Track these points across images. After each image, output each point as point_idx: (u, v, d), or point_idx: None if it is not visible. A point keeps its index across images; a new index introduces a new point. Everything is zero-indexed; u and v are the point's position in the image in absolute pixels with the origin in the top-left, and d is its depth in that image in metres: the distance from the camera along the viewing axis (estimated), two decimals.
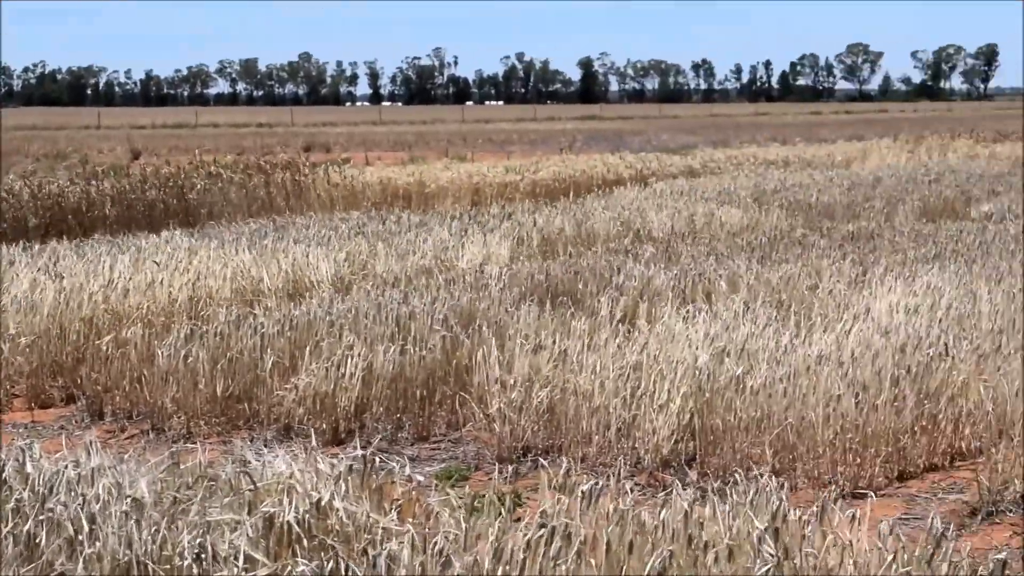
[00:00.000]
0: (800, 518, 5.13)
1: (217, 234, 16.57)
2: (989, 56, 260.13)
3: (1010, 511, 7.37)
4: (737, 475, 5.78)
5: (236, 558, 5.13)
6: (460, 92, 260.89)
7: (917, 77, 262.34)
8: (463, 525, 4.99)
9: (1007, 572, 4.72)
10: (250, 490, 5.61)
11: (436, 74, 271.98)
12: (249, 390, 9.48)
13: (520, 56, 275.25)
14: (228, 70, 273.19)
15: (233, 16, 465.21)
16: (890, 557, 4.79)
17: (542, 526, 4.88)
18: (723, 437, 8.16)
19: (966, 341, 9.17)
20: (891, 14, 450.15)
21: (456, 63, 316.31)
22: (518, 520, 5.72)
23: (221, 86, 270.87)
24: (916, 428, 8.26)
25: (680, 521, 5.04)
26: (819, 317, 10.40)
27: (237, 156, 32.50)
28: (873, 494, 6.91)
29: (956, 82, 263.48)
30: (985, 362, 8.81)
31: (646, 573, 4.73)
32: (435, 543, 4.81)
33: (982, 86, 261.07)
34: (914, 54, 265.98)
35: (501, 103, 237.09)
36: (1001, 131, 53.14)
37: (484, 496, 5.69)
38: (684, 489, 5.40)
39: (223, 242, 15.12)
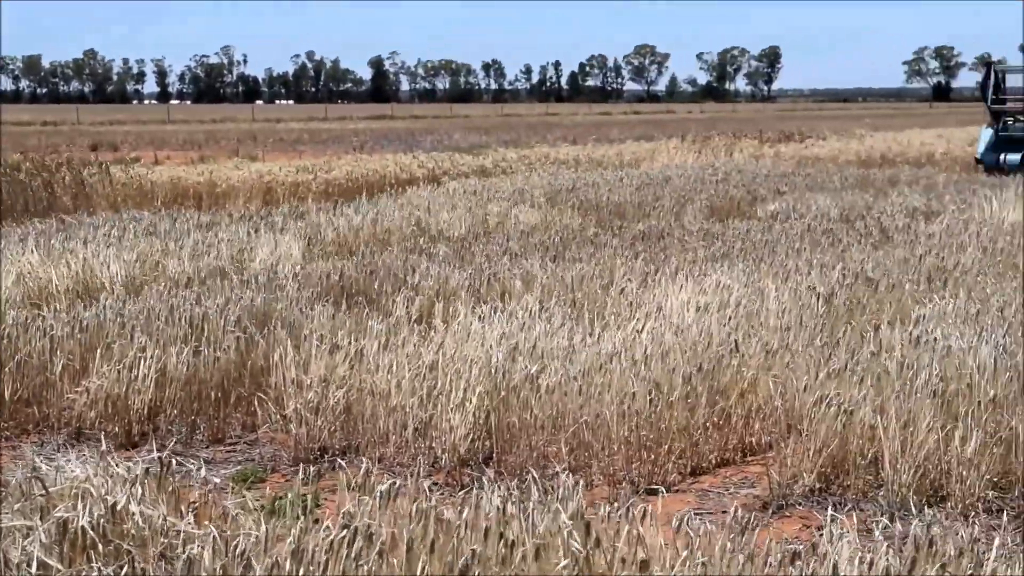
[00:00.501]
0: (608, 514, 5.18)
1: (3, 235, 16.20)
2: (772, 58, 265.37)
3: (799, 504, 7.53)
4: (533, 473, 5.83)
5: (29, 565, 5.04)
6: (250, 91, 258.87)
7: (703, 79, 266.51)
8: (263, 527, 4.95)
9: (796, 563, 4.82)
10: (42, 495, 5.50)
11: (225, 72, 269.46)
12: (39, 394, 9.30)
13: (311, 55, 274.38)
14: (11, 67, 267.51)
15: (13, 12, 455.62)
16: (686, 553, 4.86)
17: (344, 527, 4.87)
18: (519, 435, 8.21)
19: (755, 338, 9.34)
20: (677, 16, 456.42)
21: (245, 61, 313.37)
22: (316, 522, 5.70)
23: (3, 83, 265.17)
24: (708, 424, 8.40)
25: (485, 519, 5.06)
26: (612, 316, 10.52)
27: (21, 155, 31.81)
28: (665, 490, 7.03)
29: (741, 84, 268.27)
30: (774, 358, 8.98)
31: (455, 572, 4.75)
32: (235, 545, 4.78)
33: (766, 88, 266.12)
34: (700, 56, 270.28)
35: (291, 102, 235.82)
36: (785, 131, 54.24)
37: (283, 498, 5.66)
38: (486, 487, 5.42)
39: (8, 243, 14.81)
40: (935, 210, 19.85)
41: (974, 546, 4.76)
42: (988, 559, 4.69)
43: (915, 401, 7.71)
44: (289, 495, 5.59)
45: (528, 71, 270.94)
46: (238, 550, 4.71)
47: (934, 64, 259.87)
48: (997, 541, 4.91)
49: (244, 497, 5.63)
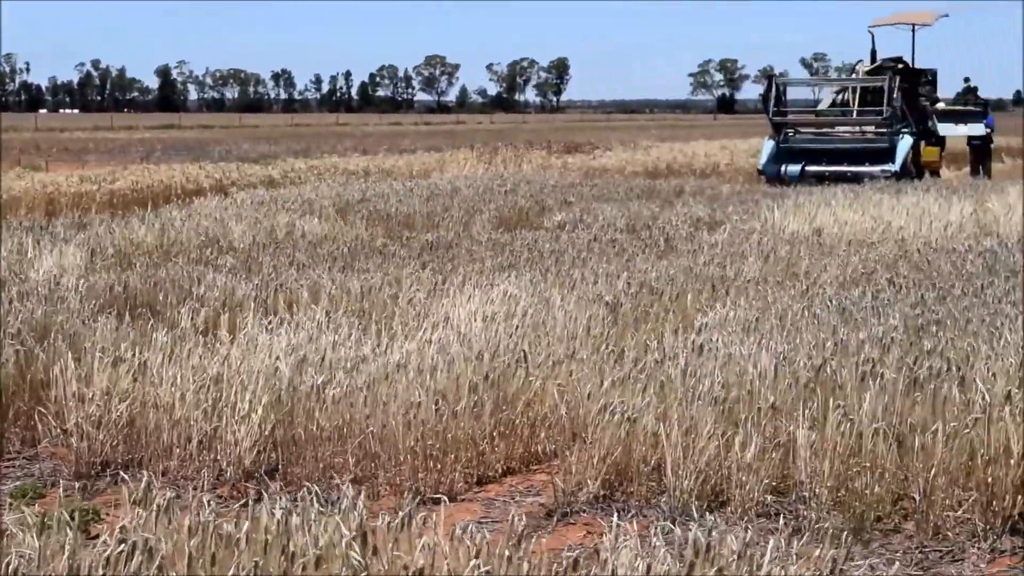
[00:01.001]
0: (388, 524, 5.16)
1: None
2: (561, 70, 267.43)
3: (584, 511, 7.59)
4: (320, 484, 5.80)
5: None
6: (33, 99, 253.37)
7: (493, 89, 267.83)
8: (36, 543, 4.85)
9: (577, 570, 4.86)
10: None
11: (7, 81, 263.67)
12: None
13: (96, 63, 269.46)
14: None
15: None
16: (466, 561, 4.87)
17: (121, 541, 4.79)
18: (305, 447, 8.17)
19: (542, 347, 9.40)
20: (467, 27, 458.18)
21: (28, 69, 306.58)
22: (96, 536, 5.60)
23: None
24: (495, 433, 8.43)
25: (266, 531, 5.02)
26: (400, 326, 10.51)
27: None
28: (447, 499, 7.05)
29: (530, 95, 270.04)
30: (559, 367, 9.04)
31: None
32: (8, 562, 4.67)
33: (555, 99, 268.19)
34: (490, 67, 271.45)
35: (77, 111, 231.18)
36: (573, 142, 54.74)
37: (59, 513, 5.54)
38: (270, 499, 5.38)
39: None
40: (719, 220, 20.16)
41: (750, 550, 4.84)
42: (763, 562, 4.78)
43: (697, 408, 7.82)
44: (66, 510, 5.48)
45: (318, 81, 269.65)
46: (10, 568, 4.61)
47: (719, 76, 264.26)
48: (771, 544, 5.00)
49: (23, 512, 5.51)
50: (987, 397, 7.57)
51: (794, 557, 5.17)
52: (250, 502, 5.31)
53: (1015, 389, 7.70)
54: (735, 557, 4.74)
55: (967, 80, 38.63)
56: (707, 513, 7.20)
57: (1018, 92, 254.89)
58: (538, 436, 8.74)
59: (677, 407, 7.88)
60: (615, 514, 6.51)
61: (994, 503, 7.24)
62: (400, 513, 5.23)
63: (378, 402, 8.18)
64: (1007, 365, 8.23)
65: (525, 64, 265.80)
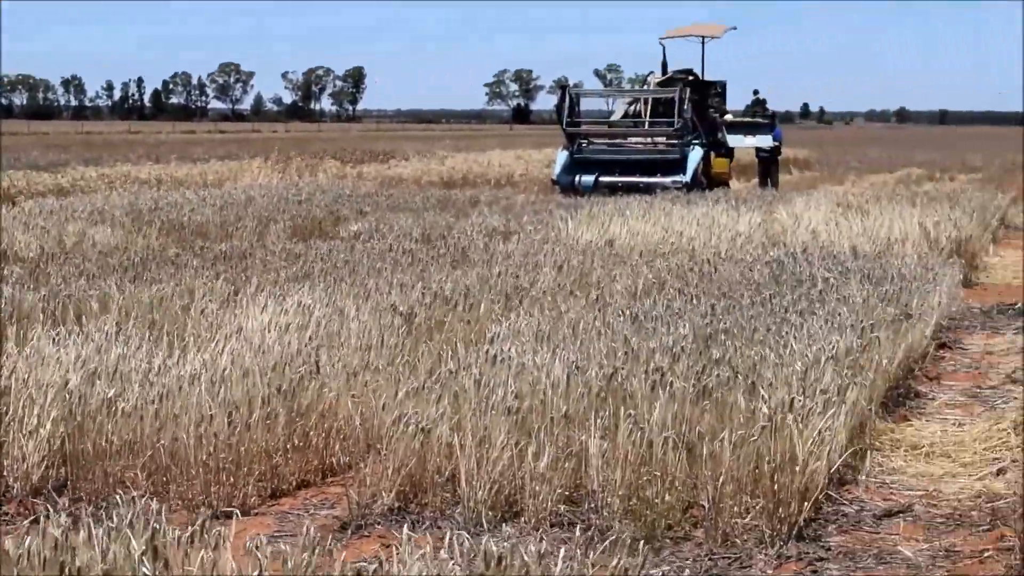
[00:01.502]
0: (179, 538, 5.10)
1: None
2: (357, 78, 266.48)
3: (379, 523, 7.58)
4: (110, 499, 5.72)
5: None
6: None
7: (288, 98, 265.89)
8: None
9: None
10: None
11: None
12: None
13: None
14: None
15: None
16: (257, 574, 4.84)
17: None
18: (95, 461, 8.04)
19: (336, 358, 9.37)
20: (262, 35, 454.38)
21: None
22: None
23: None
24: (288, 446, 8.39)
25: (50, 549, 4.92)
26: (192, 337, 10.41)
27: None
28: (239, 512, 7.00)
29: (326, 103, 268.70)
30: (354, 379, 9.02)
31: None
32: None
33: (351, 108, 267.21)
34: (285, 75, 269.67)
35: None
36: (369, 152, 54.63)
37: None
38: (57, 515, 5.28)
39: None
40: (513, 230, 20.25)
41: (542, 560, 4.87)
42: (556, 572, 4.81)
43: (491, 418, 7.85)
44: None
45: (110, 88, 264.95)
46: None
47: (514, 87, 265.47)
48: (563, 553, 5.03)
49: None
50: (773, 405, 7.73)
51: (589, 566, 5.22)
52: (41, 518, 5.21)
53: (799, 397, 7.87)
54: (524, 568, 4.76)
55: (756, 92, 39.39)
56: (501, 523, 7.26)
57: (805, 105, 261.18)
58: (333, 448, 8.72)
59: (471, 417, 7.91)
60: (409, 525, 6.53)
61: (780, 510, 7.39)
62: (191, 528, 5.17)
63: (169, 415, 8.09)
64: (792, 373, 8.40)
65: (320, 72, 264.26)
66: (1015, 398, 10.51)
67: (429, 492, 7.83)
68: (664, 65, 36.25)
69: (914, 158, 59.09)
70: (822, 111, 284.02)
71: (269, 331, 10.37)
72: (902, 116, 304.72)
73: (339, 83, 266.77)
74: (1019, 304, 16.00)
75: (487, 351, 9.17)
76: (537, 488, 7.60)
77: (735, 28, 39.40)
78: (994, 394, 11.11)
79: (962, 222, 20.82)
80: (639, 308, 11.18)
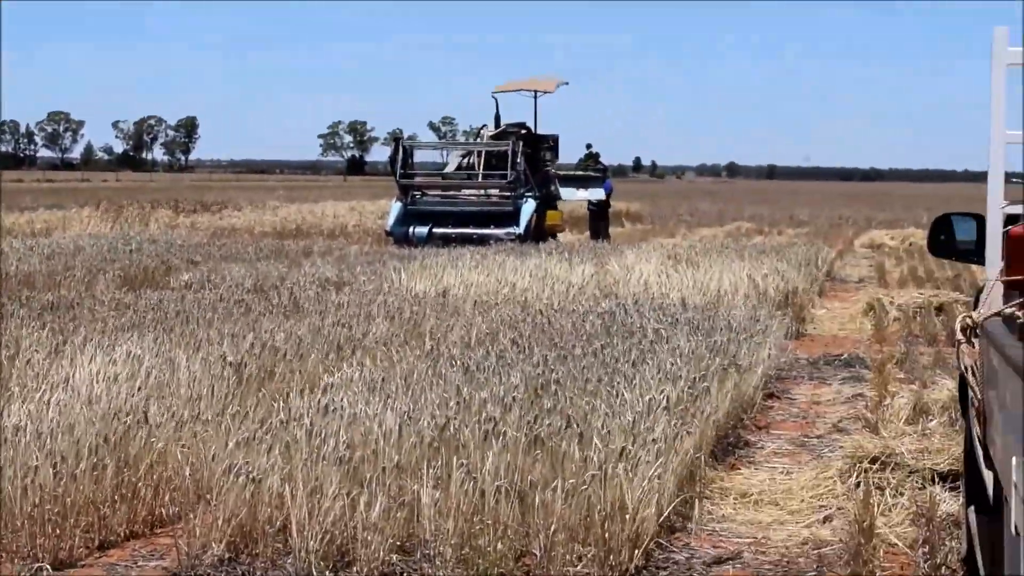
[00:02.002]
0: None
1: None
2: (189, 128, 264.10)
3: (209, 574, 7.50)
4: None
5: None
6: None
7: (119, 147, 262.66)
8: None
9: None
10: None
11: None
12: None
13: None
14: None
15: None
16: None
17: None
18: None
19: (165, 408, 9.26)
20: (89, 85, 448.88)
21: None
22: None
23: None
24: (116, 497, 8.27)
25: None
26: (18, 388, 10.22)
27: None
28: (72, 565, 6.87)
29: (158, 153, 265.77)
30: (183, 429, 8.93)
31: None
32: None
33: (184, 157, 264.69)
34: (116, 124, 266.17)
35: None
36: (202, 202, 54.19)
37: None
38: None
39: None
40: (346, 280, 20.19)
41: None
42: None
43: (322, 468, 7.82)
44: None
45: None
46: None
47: (348, 138, 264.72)
48: None
49: None
50: (604, 454, 7.79)
51: None
52: None
53: (630, 446, 7.94)
54: None
55: (589, 146, 39.73)
56: (334, 574, 7.22)
57: (638, 158, 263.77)
58: (162, 498, 8.60)
59: (302, 467, 7.87)
60: None
61: (611, 557, 7.43)
62: None
63: None
64: (623, 423, 8.46)
65: (152, 122, 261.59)
66: (841, 447, 10.67)
67: (260, 542, 7.75)
68: (497, 118, 36.34)
69: (744, 212, 60.10)
70: (654, 165, 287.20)
71: (97, 382, 10.20)
72: (732, 170, 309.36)
73: (171, 132, 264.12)
74: (844, 355, 16.29)
75: (319, 401, 9.12)
76: (369, 538, 7.56)
77: (567, 83, 39.70)
78: (820, 443, 11.28)
79: (790, 275, 21.15)
80: (472, 358, 11.19)
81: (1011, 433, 3.73)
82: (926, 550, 7.81)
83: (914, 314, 19.76)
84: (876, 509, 8.57)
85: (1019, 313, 4.80)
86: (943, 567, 7.50)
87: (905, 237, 39.83)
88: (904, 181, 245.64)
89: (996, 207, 5.29)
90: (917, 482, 9.38)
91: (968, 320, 4.96)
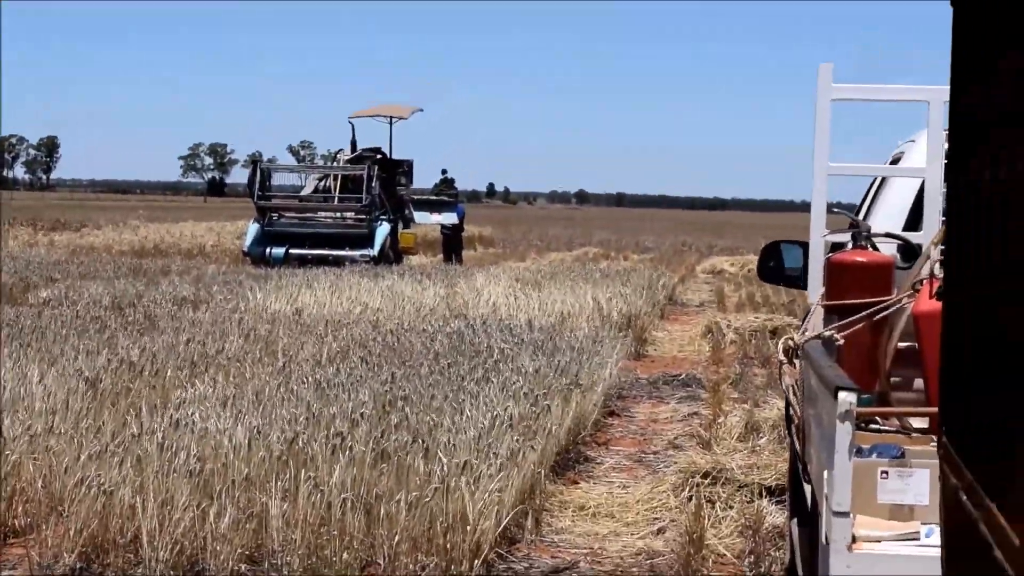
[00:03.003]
0: None
1: None
2: (50, 148, 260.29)
3: None
4: None
5: None
6: None
7: None
8: None
9: None
10: None
11: None
12: None
13: None
14: None
15: None
16: None
17: None
18: None
19: (18, 422, 9.15)
20: None
21: None
22: None
23: None
24: None
25: None
26: None
27: None
28: None
29: (19, 172, 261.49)
30: (36, 442, 8.83)
31: None
32: None
33: (45, 177, 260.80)
34: None
35: None
36: (61, 220, 53.46)
37: None
38: None
39: None
40: (203, 299, 20.04)
41: None
42: None
43: (173, 480, 7.79)
44: None
45: None
46: None
47: (209, 160, 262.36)
48: None
49: None
50: (447, 468, 7.86)
51: None
52: None
53: (473, 460, 8.01)
54: None
55: (444, 172, 39.82)
56: None
57: (491, 184, 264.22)
58: (15, 510, 8.50)
59: (154, 480, 7.83)
60: None
61: (452, 567, 7.49)
62: None
63: None
64: (467, 438, 8.53)
65: (14, 141, 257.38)
66: (675, 462, 10.82)
67: (112, 553, 7.69)
68: (354, 143, 36.33)
69: (592, 237, 60.52)
70: (507, 191, 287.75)
71: None
72: (582, 197, 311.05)
73: (32, 151, 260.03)
74: (683, 375, 16.49)
75: (171, 416, 9.08)
76: (219, 548, 7.56)
77: (422, 110, 39.88)
78: (657, 458, 11.42)
79: (633, 298, 21.38)
80: (323, 375, 11.19)
81: (824, 450, 3.86)
82: (752, 560, 7.97)
83: (749, 337, 20.04)
84: (707, 521, 8.71)
85: (837, 336, 4.95)
86: (769, 573, 7.65)
87: (744, 264, 40.33)
88: (746, 210, 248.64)
89: (818, 235, 5.42)
90: (746, 496, 9.53)
91: (790, 342, 5.09)
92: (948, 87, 5.49)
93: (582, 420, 11.74)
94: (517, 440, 8.85)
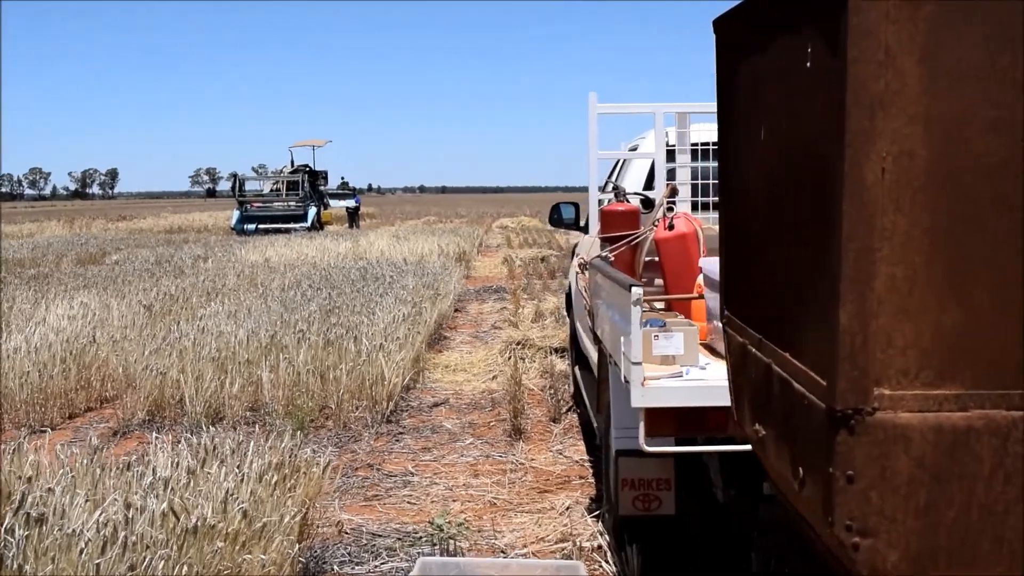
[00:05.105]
0: (2, 450, 4.34)
1: None
2: (113, 175, 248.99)
3: (137, 430, 6.84)
4: None
5: None
6: None
7: (72, 186, 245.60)
8: None
9: (133, 468, 4.24)
10: None
11: None
12: None
13: None
14: None
15: None
16: (60, 469, 4.15)
17: None
18: None
19: (107, 333, 8.45)
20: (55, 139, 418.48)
21: None
22: None
23: None
24: (78, 387, 7.49)
25: None
26: (15, 325, 9.22)
27: None
28: (50, 429, 6.17)
29: (95, 189, 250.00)
30: (117, 345, 8.16)
31: None
32: None
33: (111, 191, 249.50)
34: (70, 173, 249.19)
35: None
36: (122, 215, 50.92)
37: None
38: None
39: None
40: (210, 256, 19.10)
41: (239, 446, 4.38)
42: (248, 451, 4.33)
43: (202, 363, 7.22)
44: None
45: None
46: None
47: (205, 176, 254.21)
48: (252, 442, 4.54)
49: None
50: (369, 348, 7.39)
51: (267, 448, 4.76)
52: None
53: (384, 342, 7.57)
54: (230, 451, 4.26)
55: (343, 178, 39.42)
56: (212, 426, 6.65)
57: (369, 184, 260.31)
58: (106, 387, 7.84)
59: (190, 364, 7.25)
60: (157, 431, 5.86)
61: (376, 406, 7.07)
62: (14, 441, 4.43)
63: (2, 372, 7.10)
64: (379, 329, 8.08)
65: (92, 171, 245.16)
66: (498, 337, 10.47)
67: (166, 409, 7.11)
68: (292, 162, 35.69)
69: (431, 211, 59.69)
70: (380, 187, 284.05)
71: (63, 320, 9.28)
72: (422, 189, 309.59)
73: (102, 176, 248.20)
74: (494, 286, 16.13)
75: (198, 325, 8.46)
76: (232, 403, 7.02)
77: (331, 141, 39.07)
78: (486, 335, 11.05)
79: (461, 243, 20.95)
80: (287, 297, 10.60)
81: (620, 324, 3.49)
82: (551, 391, 7.66)
83: (529, 262, 19.75)
84: (521, 371, 8.40)
85: (610, 255, 4.61)
86: (559, 400, 7.36)
87: (519, 222, 40.11)
88: (516, 192, 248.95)
89: (595, 198, 5.05)
90: (542, 354, 9.25)
91: (582, 260, 4.72)
92: (667, 104, 5.26)
93: (443, 315, 11.32)
94: (408, 329, 8.42)
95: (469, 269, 19.17)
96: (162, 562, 2.88)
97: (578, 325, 6.72)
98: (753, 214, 1.91)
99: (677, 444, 3.41)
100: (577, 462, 6.01)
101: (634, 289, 3.17)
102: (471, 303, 14.12)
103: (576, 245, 7.49)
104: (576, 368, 6.84)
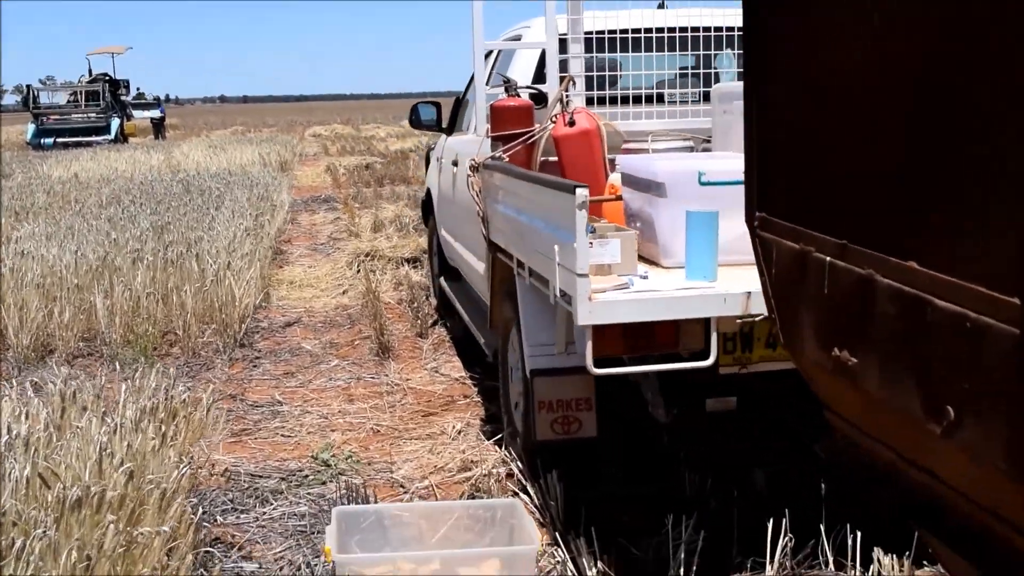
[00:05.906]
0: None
1: None
2: None
3: None
4: None
5: None
6: None
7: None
8: None
9: None
10: None
11: None
12: None
13: None
14: None
15: None
16: None
17: None
18: None
19: None
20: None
21: None
22: None
23: None
24: None
25: None
26: None
27: None
28: None
29: None
30: None
31: None
32: None
33: None
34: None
35: None
36: None
37: None
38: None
39: None
40: (8, 173, 17.33)
41: (70, 380, 3.72)
42: (86, 387, 3.70)
43: (26, 292, 6.34)
44: None
45: None
46: None
47: None
48: (84, 376, 3.89)
49: None
50: (215, 266, 6.69)
51: (103, 380, 4.14)
52: None
53: (232, 260, 6.87)
54: (93, 396, 3.61)
55: (139, 88, 37.28)
56: (42, 360, 5.87)
57: (168, 95, 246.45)
58: None
59: (12, 293, 6.35)
60: None
61: (227, 330, 6.40)
62: None
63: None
64: (222, 245, 7.35)
65: None
66: (339, 249, 9.86)
67: None
68: (90, 72, 32.82)
69: (236, 120, 56.96)
70: (178, 98, 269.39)
71: None
72: (223, 99, 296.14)
73: None
74: (322, 196, 15.29)
75: (15, 248, 7.48)
76: (64, 334, 6.21)
77: (131, 48, 36.49)
78: (324, 247, 10.37)
79: (281, 152, 19.91)
80: (108, 214, 9.60)
81: (551, 229, 3.05)
82: (411, 303, 7.19)
83: (354, 170, 18.94)
84: (374, 283, 7.87)
85: (504, 155, 4.17)
86: (424, 313, 6.92)
87: (332, 129, 38.72)
88: (325, 101, 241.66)
89: (483, 96, 4.52)
90: (393, 266, 8.73)
91: (473, 162, 4.24)
92: None
93: (279, 228, 10.57)
94: (252, 244, 7.72)
95: (294, 179, 18.22)
96: (39, 543, 2.30)
97: (443, 233, 6.25)
98: (839, 103, 1.52)
99: (607, 365, 3.02)
100: (457, 380, 5.62)
101: (579, 191, 2.74)
102: (302, 214, 13.32)
103: (431, 148, 6.98)
104: (443, 279, 6.39)
